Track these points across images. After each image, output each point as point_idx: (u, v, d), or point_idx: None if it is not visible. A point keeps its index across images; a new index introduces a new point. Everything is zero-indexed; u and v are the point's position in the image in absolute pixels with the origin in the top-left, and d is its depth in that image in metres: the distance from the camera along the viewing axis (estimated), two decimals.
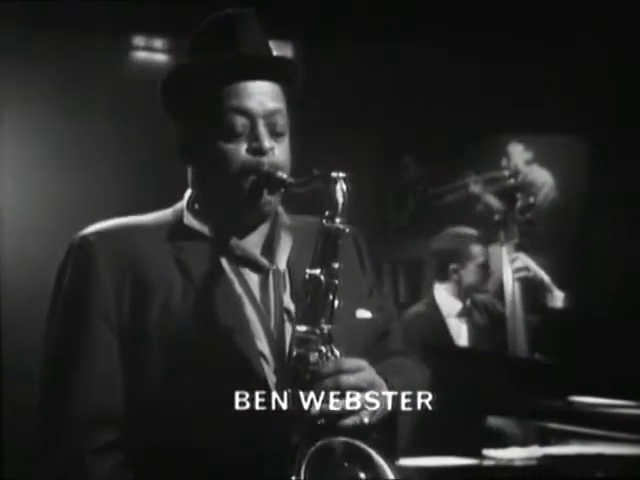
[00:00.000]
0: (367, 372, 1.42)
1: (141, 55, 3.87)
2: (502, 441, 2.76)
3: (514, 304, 3.34)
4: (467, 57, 3.94)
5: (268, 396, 1.40)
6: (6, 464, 3.29)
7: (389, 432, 1.47)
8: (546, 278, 3.37)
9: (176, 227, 1.53)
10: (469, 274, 3.51)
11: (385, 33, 3.75)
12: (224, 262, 1.51)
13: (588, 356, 3.22)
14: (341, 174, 1.42)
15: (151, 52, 3.89)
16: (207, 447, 1.41)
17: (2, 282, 3.61)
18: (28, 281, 3.63)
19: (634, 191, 3.93)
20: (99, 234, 1.51)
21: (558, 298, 3.35)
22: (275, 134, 1.50)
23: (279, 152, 1.50)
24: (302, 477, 1.32)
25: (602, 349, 3.32)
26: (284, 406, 1.38)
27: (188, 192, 1.58)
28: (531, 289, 3.35)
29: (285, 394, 1.38)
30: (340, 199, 1.42)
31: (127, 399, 1.45)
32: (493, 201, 3.79)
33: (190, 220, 1.54)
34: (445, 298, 3.52)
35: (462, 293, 3.52)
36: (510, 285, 3.36)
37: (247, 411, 1.40)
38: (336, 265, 1.42)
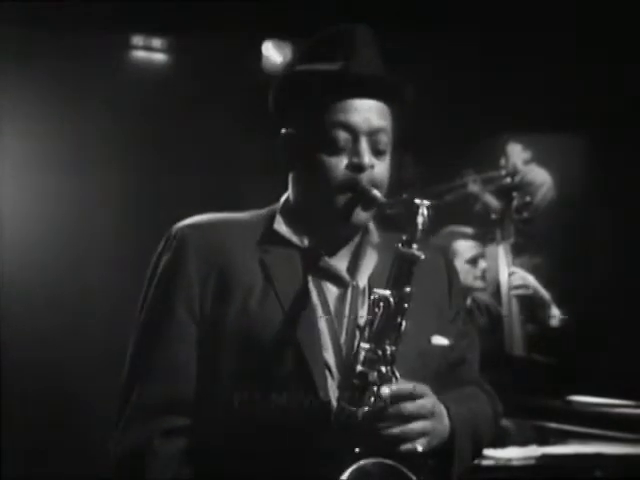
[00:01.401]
0: (429, 399, 1.43)
1: (140, 54, 3.87)
2: (501, 441, 2.76)
3: (510, 304, 3.33)
4: (466, 56, 3.94)
5: (327, 408, 1.44)
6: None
7: (444, 462, 1.48)
8: (545, 295, 3.35)
9: (266, 230, 1.57)
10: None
11: (383, 31, 3.76)
12: (306, 272, 1.54)
13: (586, 357, 3.22)
14: (425, 201, 1.43)
15: (150, 51, 3.90)
16: (262, 447, 1.45)
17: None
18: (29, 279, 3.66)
19: (633, 190, 3.93)
20: (193, 227, 1.57)
21: (556, 316, 3.34)
22: (377, 152, 1.51)
23: (378, 170, 1.51)
24: None
25: (600, 350, 3.32)
26: (339, 420, 1.40)
27: (284, 196, 1.61)
28: (529, 304, 3.34)
29: (342, 409, 1.41)
30: (420, 226, 1.42)
31: (198, 388, 1.50)
32: (491, 200, 3.80)
33: (280, 226, 1.57)
34: None
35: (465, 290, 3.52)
36: (506, 285, 3.36)
37: (304, 420, 1.44)
38: (408, 289, 1.42)
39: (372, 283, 1.55)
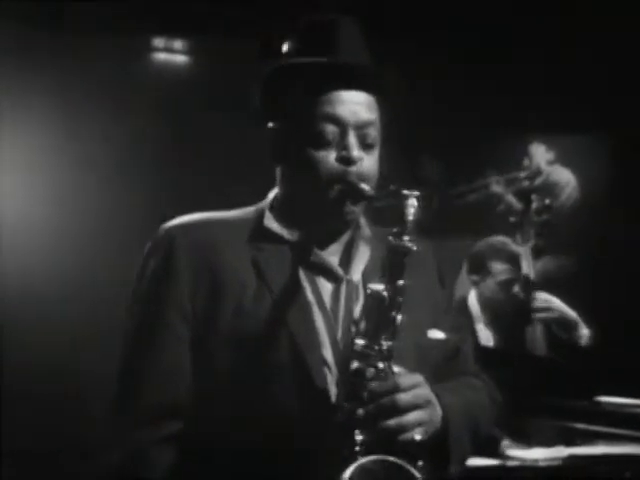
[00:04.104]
0: (423, 389, 1.41)
1: (161, 56, 3.88)
2: (526, 441, 2.71)
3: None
4: (490, 56, 3.92)
5: (326, 405, 1.42)
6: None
7: (441, 450, 1.46)
8: (572, 315, 3.28)
9: (256, 227, 1.54)
10: (486, 289, 3.46)
11: (401, 31, 3.74)
12: (300, 268, 1.51)
13: (614, 356, 3.18)
14: (414, 192, 1.41)
15: (171, 53, 3.92)
16: (262, 447, 1.43)
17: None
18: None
19: None
20: (181, 227, 1.53)
21: (585, 335, 3.28)
22: (365, 145, 1.50)
23: (367, 163, 1.49)
24: None
25: (628, 349, 3.27)
26: (338, 417, 1.39)
27: (272, 193, 1.59)
28: (555, 328, 3.27)
29: (341, 406, 1.39)
30: (410, 217, 1.41)
31: (193, 393, 1.47)
32: (514, 202, 3.75)
33: (270, 222, 1.55)
34: (474, 304, 3.48)
35: (486, 303, 3.47)
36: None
37: (304, 418, 1.42)
38: (401, 282, 1.41)
39: (366, 278, 1.53)
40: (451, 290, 1.70)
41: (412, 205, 1.41)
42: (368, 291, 1.42)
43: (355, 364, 1.40)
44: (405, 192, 1.41)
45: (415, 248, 1.41)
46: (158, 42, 3.90)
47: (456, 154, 3.96)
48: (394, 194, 1.43)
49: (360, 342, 1.41)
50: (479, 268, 3.47)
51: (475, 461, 2.51)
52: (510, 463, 2.60)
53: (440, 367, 1.56)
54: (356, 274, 1.54)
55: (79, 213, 3.73)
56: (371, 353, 1.40)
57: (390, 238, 1.42)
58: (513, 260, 3.41)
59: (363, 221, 1.59)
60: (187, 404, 1.47)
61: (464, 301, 3.49)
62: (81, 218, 3.73)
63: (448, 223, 3.83)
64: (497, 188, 3.86)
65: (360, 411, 1.36)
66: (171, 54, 3.92)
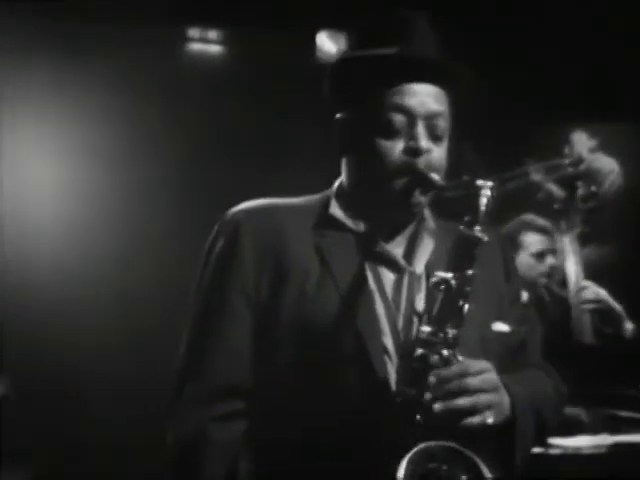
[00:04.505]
0: (491, 374, 1.41)
1: (196, 46, 3.89)
2: (569, 429, 2.65)
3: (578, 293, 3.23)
4: (531, 43, 3.87)
5: (386, 392, 1.44)
6: None
7: (506, 439, 1.46)
8: (618, 309, 3.24)
9: (321, 215, 1.56)
10: (521, 265, 3.43)
11: (446, 19, 3.71)
12: (363, 257, 1.53)
13: None
14: (488, 183, 1.42)
15: (206, 43, 3.94)
16: (322, 430, 1.45)
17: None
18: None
19: None
20: (247, 212, 1.56)
21: (630, 329, 3.22)
22: (434, 137, 1.50)
23: (436, 155, 1.50)
24: (402, 474, 1.33)
25: None
26: (400, 403, 1.40)
27: (337, 181, 1.60)
28: (601, 319, 3.23)
29: (402, 392, 1.40)
30: (482, 207, 1.41)
31: (254, 374, 1.50)
32: (555, 189, 3.71)
33: (335, 210, 1.56)
34: None
35: (525, 284, 3.43)
36: (573, 274, 3.26)
37: (364, 403, 1.44)
38: (470, 272, 1.41)
39: (429, 270, 1.54)
40: (518, 283, 1.68)
41: (485, 195, 1.41)
42: (436, 279, 1.43)
43: (419, 351, 1.41)
44: (479, 182, 1.42)
45: (486, 239, 1.42)
46: (193, 32, 3.91)
47: (495, 142, 3.91)
48: (467, 184, 1.44)
49: (425, 329, 1.41)
50: (514, 244, 3.44)
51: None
52: (553, 451, 2.58)
53: (504, 359, 1.55)
54: (419, 266, 1.55)
55: (136, 200, 3.75)
56: (436, 341, 1.40)
57: (461, 227, 1.43)
58: (544, 231, 3.40)
59: (427, 213, 1.59)
60: (248, 387, 1.49)
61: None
62: (136, 210, 3.75)
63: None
64: (537, 176, 3.80)
65: (427, 395, 1.36)
66: (206, 44, 3.91)
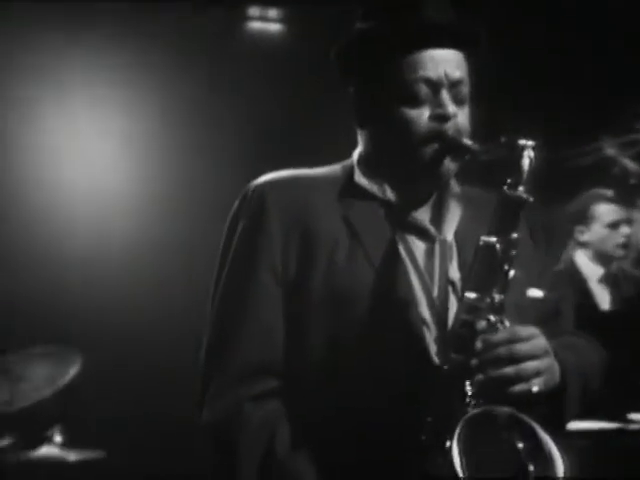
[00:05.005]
0: (541, 340, 1.37)
1: (256, 25, 3.89)
2: None
3: None
4: (604, 16, 3.75)
5: (426, 362, 1.40)
6: None
7: (556, 404, 1.42)
8: None
9: (346, 184, 1.53)
10: (594, 235, 3.35)
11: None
12: (393, 227, 1.49)
13: None
14: (530, 142, 1.39)
15: (266, 22, 3.93)
16: (362, 406, 1.40)
17: None
18: None
19: None
20: (271, 184, 1.51)
21: None
22: (458, 102, 1.48)
23: (461, 119, 1.47)
24: (455, 442, 1.28)
25: None
26: (444, 371, 1.36)
27: (357, 151, 1.57)
28: None
29: (447, 359, 1.36)
30: (526, 167, 1.38)
31: (287, 350, 1.46)
32: (630, 164, 3.59)
33: (361, 179, 1.53)
34: (586, 263, 3.36)
35: (601, 258, 3.32)
36: None
37: (405, 375, 1.39)
38: (515, 235, 1.38)
39: (458, 237, 1.51)
40: (554, 249, 1.59)
41: (528, 155, 1.38)
42: (480, 243, 1.38)
43: (464, 316, 1.36)
44: (522, 142, 1.39)
45: (531, 199, 1.38)
46: (253, 11, 3.89)
47: (568, 117, 3.81)
48: (507, 145, 1.40)
49: (470, 295, 1.37)
50: (582, 217, 3.40)
51: (595, 424, 2.43)
52: (632, 426, 2.52)
53: (540, 327, 1.45)
54: (449, 233, 1.52)
55: (180, 176, 3.74)
56: (482, 306, 1.36)
57: (504, 189, 1.39)
58: (617, 201, 3.28)
59: (453, 180, 1.55)
60: (280, 362, 1.45)
61: (572, 264, 3.34)
62: (181, 179, 3.74)
63: (561, 186, 3.68)
64: (610, 151, 3.69)
65: (474, 361, 1.31)
66: (266, 23, 3.89)
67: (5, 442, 3.24)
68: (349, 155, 1.58)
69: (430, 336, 1.43)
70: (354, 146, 1.56)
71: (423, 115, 1.45)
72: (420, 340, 1.42)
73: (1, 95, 3.70)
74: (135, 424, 3.67)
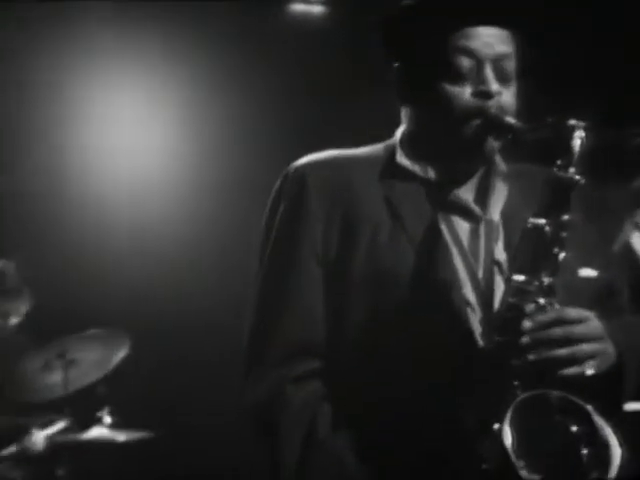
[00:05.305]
0: (596, 322, 1.35)
1: (299, 7, 3.89)
2: None
3: None
4: None
5: (471, 345, 1.38)
6: None
7: (611, 387, 1.39)
8: None
9: (387, 164, 1.50)
10: None
11: None
12: (435, 207, 1.47)
13: None
14: (581, 123, 1.36)
15: (308, 4, 3.93)
16: (402, 387, 1.39)
17: None
18: None
19: None
20: (312, 165, 1.50)
21: None
22: (502, 79, 1.45)
23: (506, 97, 1.44)
24: (506, 425, 1.25)
25: None
26: (489, 353, 1.34)
27: (399, 130, 1.54)
28: None
29: (497, 341, 1.33)
30: (577, 148, 1.35)
31: (328, 331, 1.45)
32: None
33: (402, 159, 1.50)
34: None
35: None
36: None
37: (448, 356, 1.37)
38: (565, 217, 1.35)
39: (505, 216, 1.48)
40: (610, 230, 1.56)
41: (579, 136, 1.35)
42: (528, 225, 1.36)
43: (511, 299, 1.33)
44: (572, 123, 1.36)
45: (583, 181, 1.35)
46: None
47: (624, 96, 3.72)
48: (557, 125, 1.37)
49: (518, 278, 1.34)
50: None
51: (634, 405, 2.39)
52: None
53: (595, 307, 1.43)
54: (495, 213, 1.49)
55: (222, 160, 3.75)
56: (530, 289, 1.33)
57: (555, 170, 1.36)
58: None
59: (498, 158, 1.52)
60: (322, 344, 1.45)
61: (628, 245, 3.27)
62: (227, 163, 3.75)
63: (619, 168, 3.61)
64: None
65: (525, 339, 1.29)
66: (309, 5, 3.90)
67: (61, 424, 3.31)
68: (391, 137, 1.56)
69: (475, 318, 1.41)
70: (397, 127, 1.55)
71: (465, 91, 1.43)
72: (464, 322, 1.40)
73: (60, 95, 3.76)
74: (182, 406, 3.72)
